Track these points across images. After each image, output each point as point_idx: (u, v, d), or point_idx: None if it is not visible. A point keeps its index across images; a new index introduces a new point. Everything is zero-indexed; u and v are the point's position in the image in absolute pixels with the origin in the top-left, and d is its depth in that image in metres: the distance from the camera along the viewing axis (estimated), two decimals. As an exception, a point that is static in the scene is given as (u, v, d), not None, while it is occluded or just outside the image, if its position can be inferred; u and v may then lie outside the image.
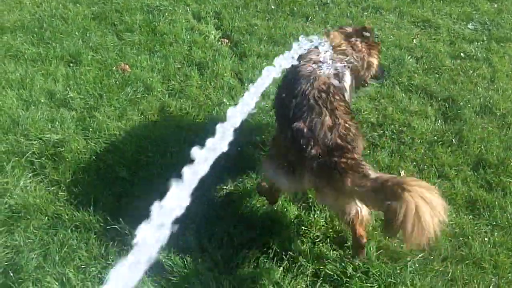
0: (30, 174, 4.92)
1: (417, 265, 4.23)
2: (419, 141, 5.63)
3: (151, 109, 5.87)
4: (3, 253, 4.13)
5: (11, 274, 3.94)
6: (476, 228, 4.66)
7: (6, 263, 4.05)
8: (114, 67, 6.57)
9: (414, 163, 5.36)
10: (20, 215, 4.48)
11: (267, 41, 7.41)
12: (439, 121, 5.97)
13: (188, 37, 7.35)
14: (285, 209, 4.66)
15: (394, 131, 5.75)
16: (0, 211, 4.51)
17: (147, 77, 6.34)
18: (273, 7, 8.31)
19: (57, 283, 3.95)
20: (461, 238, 4.55)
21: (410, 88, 6.52)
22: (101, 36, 7.25)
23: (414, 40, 7.66)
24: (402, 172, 5.19)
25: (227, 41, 7.47)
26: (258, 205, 4.68)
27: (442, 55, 7.22)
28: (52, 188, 4.79)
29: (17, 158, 5.05)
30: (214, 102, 5.99)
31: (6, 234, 4.34)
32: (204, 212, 4.57)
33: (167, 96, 6.12)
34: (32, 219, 4.42)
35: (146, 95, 6.08)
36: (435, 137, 5.70)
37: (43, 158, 5.08)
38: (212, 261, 4.20)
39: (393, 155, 5.42)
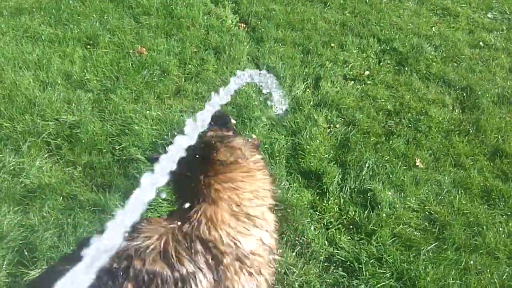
0: (46, 155, 4.93)
1: (430, 254, 4.22)
2: (435, 130, 5.60)
3: (167, 92, 5.86)
4: (18, 232, 4.15)
5: (26, 253, 3.96)
6: (490, 218, 4.65)
7: (21, 242, 4.07)
8: (131, 50, 6.57)
9: (430, 151, 5.34)
10: (35, 194, 4.50)
11: (285, 26, 7.39)
12: (456, 110, 5.94)
13: (205, 21, 7.34)
14: (298, 195, 4.66)
15: (411, 119, 5.72)
16: (15, 190, 4.53)
17: (163, 60, 6.33)
18: (291, -8, 8.26)
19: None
20: (475, 228, 4.53)
21: (428, 77, 6.49)
22: (118, 19, 7.24)
23: (433, 28, 7.61)
24: (418, 161, 5.16)
25: (244, 25, 7.45)
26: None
27: (461, 43, 7.17)
28: (68, 169, 4.80)
29: (33, 139, 5.06)
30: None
31: (21, 213, 4.36)
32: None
33: (183, 79, 6.11)
34: (47, 199, 4.44)
35: (163, 78, 6.07)
36: (452, 126, 5.67)
37: (59, 139, 5.10)
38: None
39: (409, 143, 5.40)
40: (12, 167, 4.76)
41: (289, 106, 5.78)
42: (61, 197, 4.48)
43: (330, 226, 4.45)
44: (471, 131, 5.61)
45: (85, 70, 6.09)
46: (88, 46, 6.65)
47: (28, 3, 7.49)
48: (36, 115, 5.33)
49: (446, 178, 5.03)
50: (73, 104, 5.52)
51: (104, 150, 5.01)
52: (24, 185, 4.60)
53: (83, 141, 5.05)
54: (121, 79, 5.98)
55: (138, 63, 6.28)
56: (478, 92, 6.16)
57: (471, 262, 4.18)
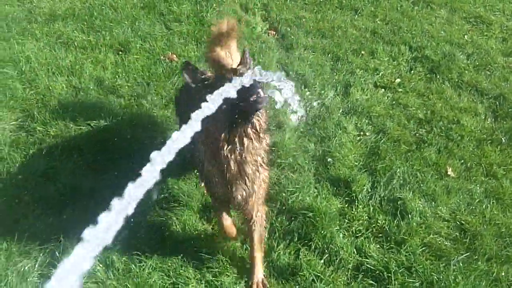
0: (78, 159, 5.00)
1: (461, 264, 4.16)
2: (467, 139, 5.53)
3: (197, 98, 5.88)
4: (50, 234, 4.21)
5: (58, 255, 4.01)
6: (523, 228, 4.57)
7: (53, 244, 4.13)
8: (162, 56, 6.63)
9: (462, 161, 5.27)
10: (68, 197, 4.57)
11: (315, 33, 7.39)
12: (489, 119, 5.87)
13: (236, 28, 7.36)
14: (327, 202, 4.64)
15: (443, 127, 5.67)
16: (48, 193, 4.60)
17: (194, 66, 6.36)
18: (321, -1, 8.26)
19: (101, 265, 4.01)
20: (507, 238, 4.46)
21: (460, 85, 6.42)
22: (149, 25, 7.32)
23: (466, 36, 7.53)
24: (450, 170, 5.11)
25: (274, 33, 7.47)
26: (301, 197, 4.66)
27: (494, 52, 7.09)
28: (100, 173, 4.86)
29: (65, 143, 5.14)
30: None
31: (54, 215, 4.42)
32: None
33: (213, 85, 6.13)
34: (80, 202, 4.50)
35: (193, 85, 6.10)
36: (484, 135, 5.61)
37: (91, 144, 5.16)
38: (253, 251, 4.21)
39: (440, 152, 5.35)
40: (45, 170, 4.83)
41: (315, 112, 5.78)
42: (93, 200, 4.52)
43: (359, 234, 4.42)
44: (503, 140, 5.53)
45: (116, 76, 6.16)
46: (120, 53, 6.73)
47: (61, 10, 7.61)
48: (69, 120, 5.41)
49: (478, 187, 4.97)
50: (105, 109, 5.58)
51: (135, 154, 5.05)
52: (57, 188, 4.67)
53: (115, 145, 5.10)
54: (152, 85, 6.04)
55: (168, 69, 6.33)
56: (511, 101, 6.08)
57: (503, 273, 4.12)
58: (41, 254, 4.05)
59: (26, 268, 3.97)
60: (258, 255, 3.98)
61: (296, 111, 3.08)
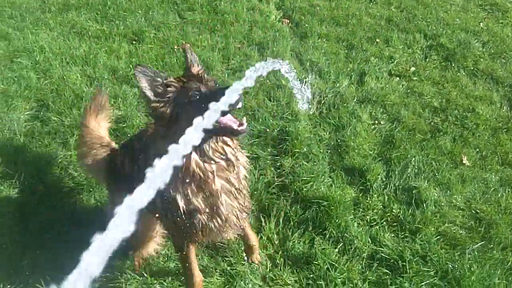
0: (92, 148, 5.02)
1: (476, 253, 4.13)
2: (483, 127, 5.50)
3: (211, 87, 5.87)
4: (67, 224, 4.23)
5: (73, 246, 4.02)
6: (539, 217, 4.54)
7: (67, 234, 4.14)
8: (175, 46, 6.63)
9: (477, 149, 5.25)
10: (83, 187, 4.59)
11: (329, 21, 7.37)
12: (504, 107, 5.83)
13: (249, 16, 7.36)
14: (342, 191, 4.63)
15: (458, 116, 5.64)
16: (64, 183, 4.62)
17: (207, 56, 6.37)
18: (335, -13, 8.22)
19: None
20: (523, 227, 4.43)
21: (475, 73, 6.38)
22: (163, 15, 7.32)
23: (481, 23, 7.47)
24: (465, 159, 5.08)
25: (288, 21, 7.45)
26: (315, 186, 4.65)
27: (510, 39, 7.04)
28: (114, 163, 4.87)
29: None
30: (273, 82, 5.96)
31: (70, 205, 4.45)
32: (261, 191, 4.59)
33: (226, 75, 6.13)
34: (94, 192, 4.52)
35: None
36: (500, 124, 5.57)
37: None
38: (267, 240, 4.21)
39: (455, 140, 5.32)
40: (60, 160, 4.85)
41: (329, 101, 5.76)
42: (107, 190, 4.54)
43: (374, 223, 4.40)
44: (519, 129, 5.50)
45: (130, 66, 6.17)
46: (134, 42, 6.74)
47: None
48: (83, 109, 5.42)
49: (493, 176, 4.94)
50: (119, 99, 5.60)
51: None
52: (72, 177, 4.69)
53: (129, 135, 5.11)
54: (166, 74, 6.02)
55: (182, 59, 6.32)
56: (527, 89, 6.04)
57: (518, 262, 4.10)
58: (55, 245, 4.07)
59: (42, 258, 3.99)
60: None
61: (303, 96, 3.06)
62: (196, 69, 3.02)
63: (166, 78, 2.90)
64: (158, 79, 2.86)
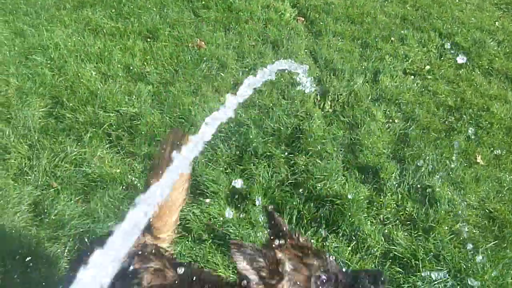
0: (106, 145, 5.04)
1: (489, 252, 4.12)
2: (497, 127, 5.48)
3: (225, 85, 5.89)
4: (79, 220, 4.25)
5: (86, 241, 4.05)
6: (553, 217, 4.51)
7: (81, 230, 4.17)
8: (190, 43, 6.64)
9: (491, 148, 5.22)
10: (96, 184, 4.61)
11: (344, 20, 7.35)
12: (519, 106, 5.79)
13: (264, 14, 7.35)
14: (355, 190, 4.62)
15: (472, 115, 5.61)
16: (77, 180, 4.64)
17: (221, 54, 6.37)
18: (350, -15, 8.19)
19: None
20: (536, 227, 4.41)
21: (490, 72, 6.35)
22: (177, 12, 7.33)
23: (496, 22, 7.42)
24: (479, 158, 5.05)
25: (303, 19, 7.43)
26: (329, 184, 4.65)
27: (526, 39, 6.98)
28: (128, 160, 4.89)
29: (94, 129, 5.18)
30: (288, 80, 5.96)
31: (83, 202, 4.47)
32: (274, 189, 4.59)
33: (241, 73, 6.13)
34: (108, 189, 4.53)
35: (221, 72, 6.11)
36: (515, 123, 5.54)
37: (120, 130, 5.20)
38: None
39: (470, 139, 5.29)
40: (74, 157, 4.88)
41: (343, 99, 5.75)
42: (121, 187, 4.56)
43: (387, 221, 4.40)
44: (535, 128, 5.47)
45: (145, 63, 6.19)
46: (148, 40, 6.75)
47: (90, -3, 7.66)
48: (98, 107, 5.45)
49: (507, 175, 4.92)
50: (134, 96, 5.62)
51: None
52: (86, 174, 4.71)
53: (143, 132, 5.13)
54: (180, 72, 6.05)
55: (197, 56, 6.34)
56: (543, 88, 6.00)
57: (532, 261, 4.08)
58: (69, 240, 4.09)
59: (56, 253, 4.02)
60: None
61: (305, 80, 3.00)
62: (303, 238, 2.47)
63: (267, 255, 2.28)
64: (260, 259, 2.27)
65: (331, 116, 5.54)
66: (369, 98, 5.81)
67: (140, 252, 2.57)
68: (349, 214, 4.34)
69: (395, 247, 4.15)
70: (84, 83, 5.79)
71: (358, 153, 5.04)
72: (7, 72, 5.91)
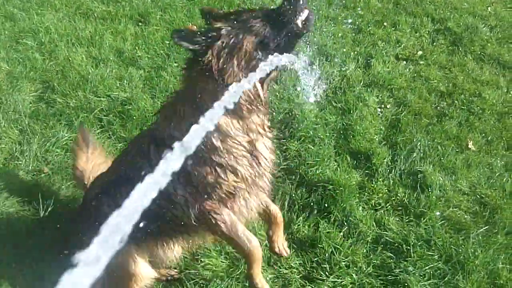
0: (98, 130, 5.02)
1: (480, 237, 4.14)
2: (489, 112, 5.49)
3: (217, 70, 5.85)
4: (71, 206, 4.25)
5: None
6: (543, 202, 4.53)
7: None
8: (182, 28, 6.58)
9: (483, 134, 5.23)
10: (87, 169, 4.59)
11: (337, 4, 7.30)
12: (511, 92, 5.80)
13: (257, -2, 7.31)
14: (347, 175, 4.63)
15: (464, 101, 5.62)
16: (68, 165, 4.62)
17: (214, 38, 6.33)
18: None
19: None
20: (527, 212, 4.43)
21: (482, 58, 6.34)
22: (169, -4, 7.28)
23: (489, 8, 7.41)
24: (470, 143, 5.07)
25: (295, 4, 7.39)
26: (321, 170, 4.65)
27: (518, 24, 6.98)
28: (120, 145, 4.87)
29: (85, 114, 5.16)
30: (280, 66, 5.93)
31: (74, 188, 4.45)
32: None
33: (233, 58, 6.09)
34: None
35: (213, 56, 6.06)
36: (506, 109, 5.56)
37: (111, 115, 5.17)
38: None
39: (461, 125, 5.30)
40: (65, 142, 4.86)
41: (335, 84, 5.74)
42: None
43: (379, 207, 4.41)
44: (526, 113, 5.48)
45: (136, 47, 6.16)
46: (140, 24, 6.71)
47: (81, -20, 7.59)
48: (89, 91, 5.42)
49: (499, 161, 4.93)
50: (125, 81, 5.59)
51: (155, 127, 5.05)
52: (77, 159, 4.69)
53: (134, 117, 5.11)
54: (172, 56, 6.02)
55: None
56: (534, 74, 6.01)
57: (522, 247, 4.10)
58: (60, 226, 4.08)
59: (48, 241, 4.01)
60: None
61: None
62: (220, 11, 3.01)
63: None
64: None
65: (323, 101, 5.53)
66: (361, 84, 5.80)
67: None
68: (341, 199, 4.35)
69: (386, 233, 4.16)
70: (75, 68, 5.76)
71: (350, 139, 5.04)
72: (-3, 57, 5.87)
